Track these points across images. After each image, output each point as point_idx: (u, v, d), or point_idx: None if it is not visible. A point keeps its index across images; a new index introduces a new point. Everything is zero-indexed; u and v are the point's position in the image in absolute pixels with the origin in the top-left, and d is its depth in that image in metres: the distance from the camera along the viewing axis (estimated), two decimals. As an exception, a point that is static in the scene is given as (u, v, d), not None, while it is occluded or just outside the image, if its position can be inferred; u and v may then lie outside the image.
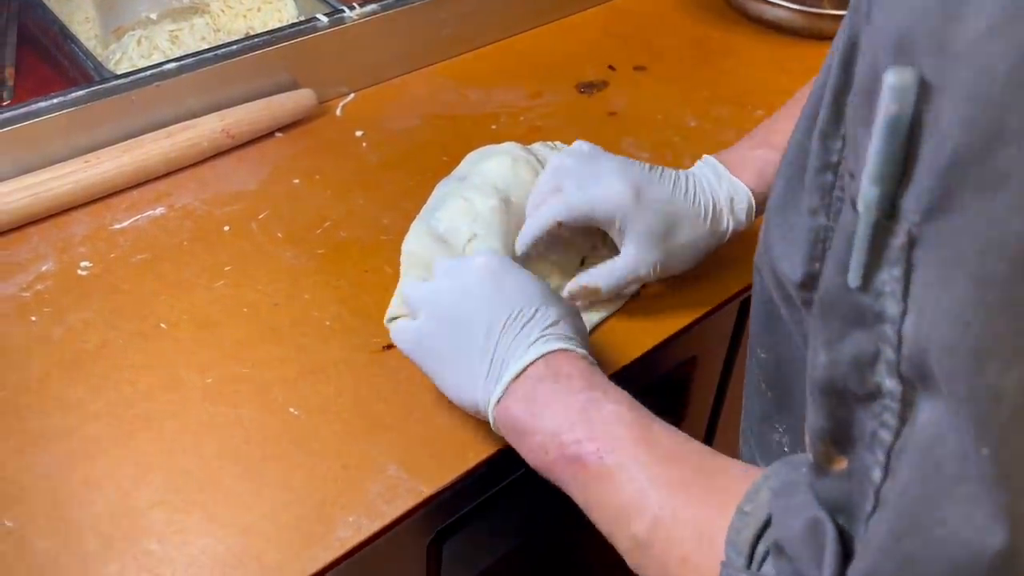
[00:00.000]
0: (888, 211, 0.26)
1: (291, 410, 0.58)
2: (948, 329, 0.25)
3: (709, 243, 0.63)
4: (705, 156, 0.67)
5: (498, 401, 0.49)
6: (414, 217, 0.73)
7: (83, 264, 0.68)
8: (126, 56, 0.86)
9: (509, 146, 0.70)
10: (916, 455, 0.27)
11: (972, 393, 0.25)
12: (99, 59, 0.82)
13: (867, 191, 0.26)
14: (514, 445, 0.49)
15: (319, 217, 0.73)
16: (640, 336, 0.65)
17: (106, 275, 0.67)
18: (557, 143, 0.75)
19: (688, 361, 0.75)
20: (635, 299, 0.68)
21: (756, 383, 0.48)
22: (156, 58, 0.86)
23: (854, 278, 0.28)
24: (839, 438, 0.31)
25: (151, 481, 0.54)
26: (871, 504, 0.29)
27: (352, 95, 0.87)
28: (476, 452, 0.56)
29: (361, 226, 0.72)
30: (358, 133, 0.82)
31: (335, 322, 0.64)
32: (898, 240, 0.26)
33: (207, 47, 0.87)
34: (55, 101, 0.72)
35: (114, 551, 0.50)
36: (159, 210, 0.73)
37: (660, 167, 0.64)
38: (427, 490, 0.54)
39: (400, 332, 0.56)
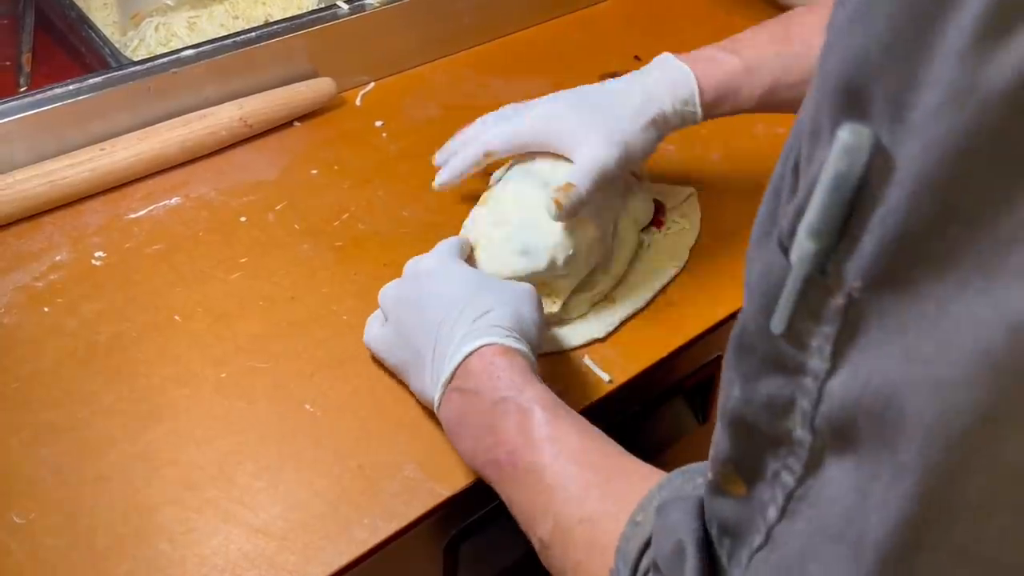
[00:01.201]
0: (822, 268, 0.25)
1: (307, 407, 0.56)
2: (884, 398, 0.23)
3: (657, 122, 0.63)
4: (656, 57, 0.67)
5: (439, 406, 0.51)
6: (433, 210, 0.72)
7: (97, 254, 0.66)
8: (144, 43, 0.85)
9: None
10: (810, 509, 0.27)
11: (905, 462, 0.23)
12: (117, 45, 0.81)
13: (802, 244, 0.25)
14: (454, 447, 0.51)
15: (337, 208, 0.72)
16: (665, 336, 0.63)
17: (120, 265, 0.66)
18: None
19: (712, 362, 0.73)
20: (660, 298, 0.66)
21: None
22: (174, 45, 0.85)
23: (778, 325, 0.26)
24: (743, 468, 0.30)
25: (163, 477, 0.52)
26: (761, 539, 0.29)
27: (372, 84, 0.86)
28: (496, 453, 0.54)
29: (380, 218, 0.71)
30: (377, 123, 0.81)
31: (353, 316, 0.63)
32: (836, 301, 0.25)
33: (226, 34, 0.86)
34: (71, 87, 0.70)
35: (124, 550, 0.49)
36: (175, 200, 0.72)
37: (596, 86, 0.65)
38: (445, 492, 0.52)
39: (369, 335, 0.59)
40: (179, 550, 0.49)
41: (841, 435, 0.25)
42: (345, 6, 0.82)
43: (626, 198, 0.67)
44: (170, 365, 0.59)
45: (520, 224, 0.62)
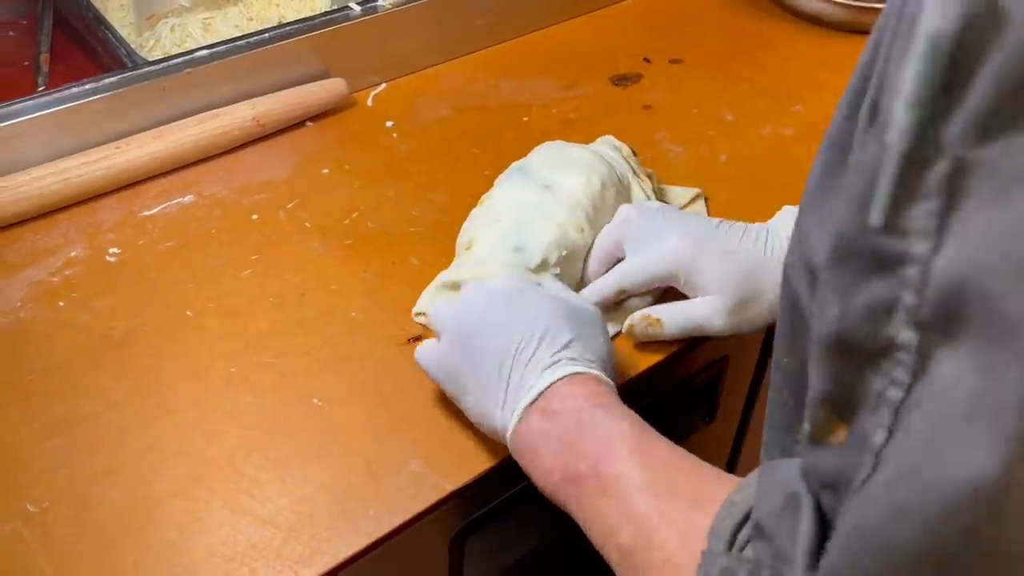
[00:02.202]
0: (923, 140, 0.24)
1: (315, 401, 0.57)
2: (1006, 247, 0.22)
3: None
4: (785, 206, 0.63)
5: (515, 428, 0.49)
6: (443, 210, 0.72)
7: (111, 250, 0.67)
8: (159, 44, 0.86)
9: (595, 160, 0.66)
10: (927, 406, 0.25)
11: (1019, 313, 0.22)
12: (133, 46, 0.82)
13: (901, 117, 0.24)
14: (527, 471, 0.49)
15: (348, 207, 0.72)
16: (671, 334, 0.64)
17: (134, 262, 0.67)
18: (624, 145, 0.72)
19: (720, 360, 0.73)
20: (666, 296, 0.66)
21: (779, 394, 0.46)
22: (189, 45, 0.86)
23: (877, 216, 0.25)
24: (841, 403, 0.29)
25: (172, 469, 0.53)
26: (868, 469, 0.27)
27: (383, 85, 0.86)
28: (501, 448, 0.54)
29: (390, 217, 0.72)
30: (388, 123, 0.82)
31: (361, 314, 0.63)
32: (938, 170, 0.24)
33: (240, 35, 0.87)
34: (88, 87, 0.72)
35: (133, 539, 0.50)
36: (188, 198, 0.73)
37: (729, 221, 0.61)
38: (450, 486, 0.53)
39: (423, 354, 0.55)
40: (187, 540, 0.50)
41: (952, 321, 0.24)
42: (357, 7, 0.83)
43: (631, 199, 0.68)
44: (180, 359, 0.60)
45: (514, 222, 0.62)
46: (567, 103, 0.86)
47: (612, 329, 0.62)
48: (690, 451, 0.71)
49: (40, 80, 0.84)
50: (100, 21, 0.83)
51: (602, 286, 0.61)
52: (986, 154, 0.23)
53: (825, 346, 0.29)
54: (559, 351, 0.49)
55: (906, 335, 0.26)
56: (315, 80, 0.82)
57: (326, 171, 0.76)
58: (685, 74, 0.90)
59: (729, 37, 0.97)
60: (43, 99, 0.70)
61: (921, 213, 0.24)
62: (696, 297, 0.59)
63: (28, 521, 0.50)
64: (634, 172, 0.69)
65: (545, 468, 0.47)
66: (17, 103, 0.69)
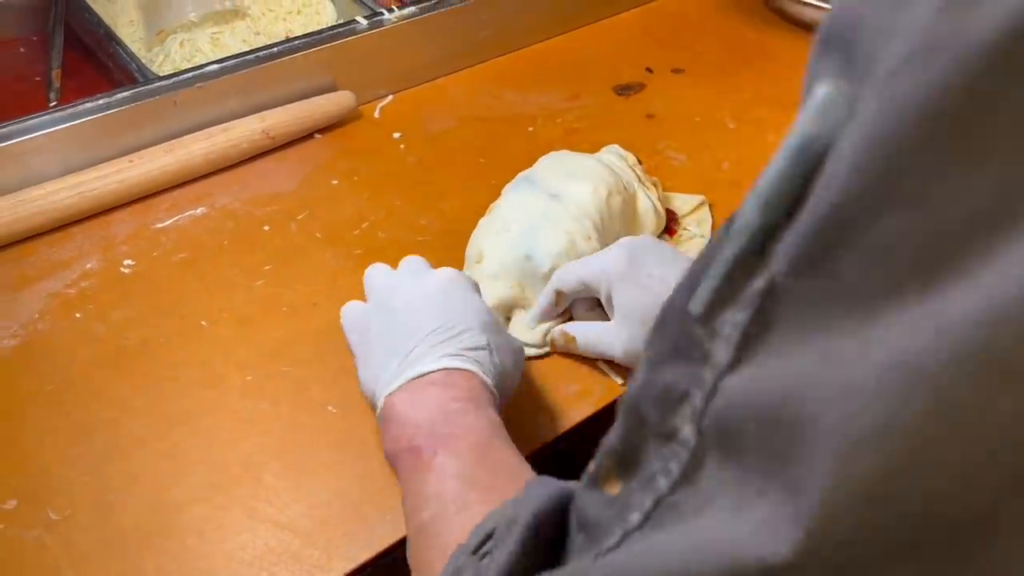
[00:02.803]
0: (756, 246, 0.22)
1: (329, 408, 0.58)
2: (787, 390, 0.21)
3: None
4: None
5: (390, 394, 0.49)
6: (451, 219, 0.73)
7: (126, 262, 0.69)
8: (169, 58, 0.87)
9: (600, 169, 0.67)
10: (682, 510, 0.25)
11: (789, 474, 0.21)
12: (143, 61, 0.84)
13: (749, 215, 0.22)
14: (382, 434, 0.50)
15: (357, 218, 0.73)
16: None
17: (148, 273, 0.68)
18: (629, 154, 0.73)
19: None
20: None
21: None
22: (198, 60, 0.87)
23: (696, 305, 0.24)
24: (624, 463, 0.28)
25: (190, 475, 0.54)
26: (614, 541, 0.27)
27: (390, 97, 0.88)
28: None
29: (399, 227, 0.73)
30: (396, 135, 0.83)
31: (372, 322, 0.64)
32: (757, 284, 0.22)
33: (248, 49, 0.88)
34: (101, 102, 0.73)
35: (154, 545, 0.51)
36: (200, 210, 0.74)
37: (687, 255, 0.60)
38: (463, 490, 0.54)
39: (347, 309, 0.57)
40: (207, 545, 0.51)
41: (727, 441, 0.23)
42: (364, 21, 0.84)
43: (637, 208, 0.69)
44: (196, 369, 0.61)
45: (522, 231, 0.63)
46: (571, 113, 0.87)
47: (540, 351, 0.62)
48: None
49: (52, 95, 0.86)
50: (111, 37, 0.84)
51: (547, 290, 0.62)
52: (798, 285, 0.21)
53: (625, 407, 0.28)
54: (469, 349, 0.50)
55: (687, 432, 0.24)
56: (323, 93, 0.83)
57: (335, 182, 0.77)
58: (687, 83, 0.91)
59: (730, 46, 0.98)
60: (57, 114, 0.71)
61: (731, 321, 0.23)
62: (611, 320, 0.59)
63: (51, 528, 0.51)
64: (640, 180, 0.71)
65: (394, 435, 0.48)
66: (32, 118, 0.71)
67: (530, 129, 0.85)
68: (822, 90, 0.20)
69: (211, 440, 0.56)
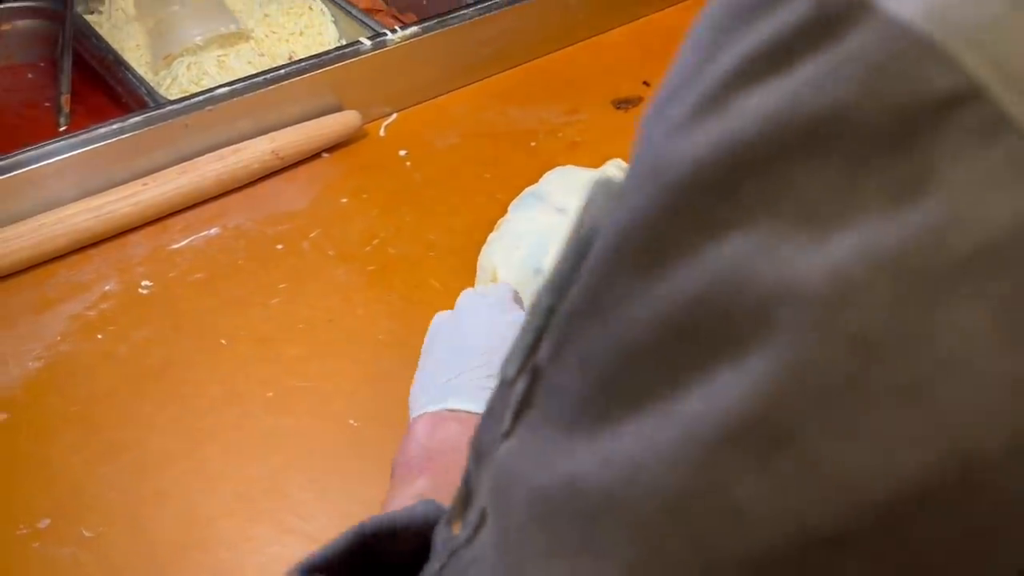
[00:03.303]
0: (543, 327, 0.23)
1: (351, 421, 0.60)
2: (505, 478, 0.23)
3: None
4: None
5: (419, 415, 0.52)
6: (459, 234, 0.75)
7: (144, 283, 0.70)
8: (176, 82, 0.89)
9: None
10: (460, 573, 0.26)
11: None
12: (151, 84, 0.85)
13: (542, 293, 0.23)
14: (400, 445, 0.52)
15: (368, 234, 0.75)
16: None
17: (166, 294, 0.69)
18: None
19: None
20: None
21: None
22: (206, 82, 0.89)
23: (507, 368, 0.25)
24: (461, 506, 0.29)
25: (219, 491, 0.56)
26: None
27: (394, 115, 0.89)
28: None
29: (409, 243, 0.75)
30: (402, 152, 0.85)
31: (388, 336, 0.66)
32: (531, 361, 0.24)
33: (254, 71, 0.90)
34: (115, 127, 0.74)
35: (187, 559, 0.52)
36: (214, 230, 0.75)
37: None
38: (484, 498, 0.55)
39: (436, 317, 0.60)
40: (239, 558, 0.52)
41: (495, 505, 0.24)
42: (368, 42, 0.86)
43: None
44: (219, 386, 0.62)
45: (532, 246, 0.65)
46: (572, 127, 0.89)
47: None
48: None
49: (62, 120, 0.87)
50: (120, 62, 0.86)
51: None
52: (549, 371, 0.22)
53: (470, 447, 0.29)
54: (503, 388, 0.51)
55: (484, 488, 0.26)
56: (329, 112, 0.85)
57: (345, 200, 0.79)
58: (683, 96, 0.94)
59: (723, 58, 1.00)
60: (73, 140, 0.73)
61: (515, 391, 0.24)
62: None
63: (84, 546, 0.53)
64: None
65: (404, 449, 0.51)
66: (49, 144, 0.72)
67: (532, 144, 0.87)
68: (597, 180, 0.22)
69: (237, 456, 0.58)
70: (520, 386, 0.24)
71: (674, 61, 0.22)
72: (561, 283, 0.22)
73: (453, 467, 0.47)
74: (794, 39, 0.17)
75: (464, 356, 0.54)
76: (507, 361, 0.24)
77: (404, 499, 0.47)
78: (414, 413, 0.53)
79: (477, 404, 0.51)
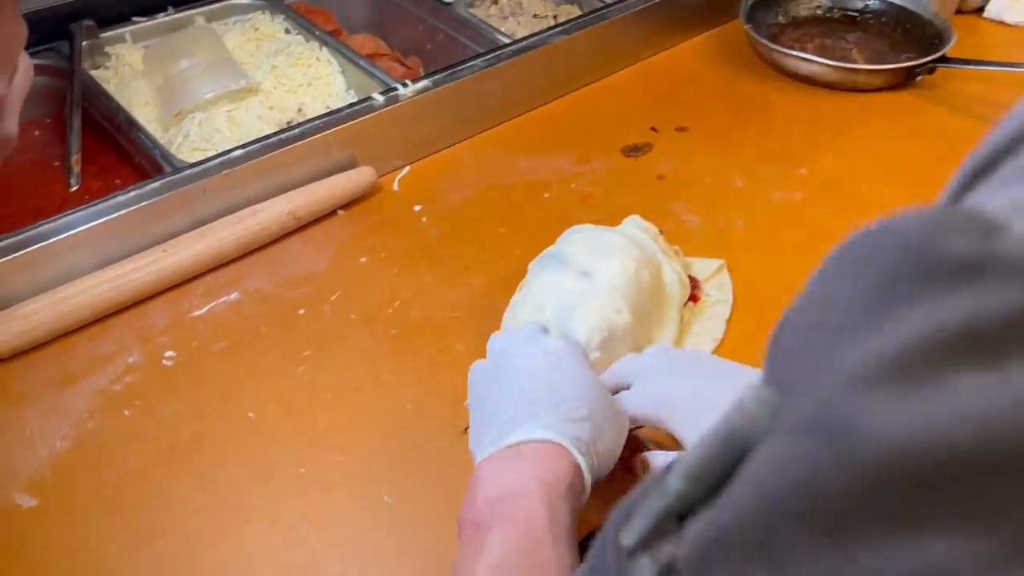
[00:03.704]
0: (680, 512, 0.24)
1: (386, 499, 0.60)
2: None
3: None
4: None
5: (484, 459, 0.52)
6: (480, 293, 0.75)
7: (167, 354, 0.70)
8: (188, 139, 0.89)
9: (626, 244, 0.69)
10: None
11: None
12: (162, 142, 0.85)
13: (675, 480, 0.24)
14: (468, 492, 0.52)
15: (389, 295, 0.75)
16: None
17: (190, 365, 0.69)
18: (651, 225, 0.75)
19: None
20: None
21: None
22: (217, 139, 0.89)
23: (627, 538, 0.25)
24: None
25: (259, 575, 0.56)
26: None
27: (407, 168, 0.90)
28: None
29: (430, 304, 0.75)
30: (416, 208, 0.85)
31: (415, 405, 0.66)
32: (667, 549, 0.24)
33: (264, 125, 0.91)
34: (132, 195, 0.74)
35: (231, 649, 0.52)
36: (234, 295, 0.75)
37: (740, 366, 0.60)
38: (523, 575, 0.56)
39: (473, 368, 0.60)
40: (284, 647, 0.52)
41: None
42: (380, 98, 0.86)
43: (663, 280, 0.71)
44: (250, 463, 0.62)
45: (556, 310, 0.66)
46: (584, 177, 0.89)
47: None
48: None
49: (73, 181, 0.87)
50: (131, 123, 0.86)
51: None
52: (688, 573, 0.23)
53: None
54: (567, 421, 0.51)
55: None
56: (343, 168, 0.85)
57: (364, 260, 0.79)
58: (692, 142, 0.94)
59: (729, 101, 1.01)
60: (91, 210, 0.73)
61: (647, 566, 0.24)
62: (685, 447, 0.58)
63: (126, 637, 0.52)
64: (662, 252, 0.73)
65: (469, 502, 0.50)
66: (67, 216, 0.72)
67: (546, 196, 0.87)
68: (752, 390, 0.22)
69: (273, 537, 0.58)
70: (648, 569, 0.24)
71: (822, 279, 0.21)
72: (700, 475, 0.22)
73: (521, 512, 0.48)
74: (1005, 330, 0.17)
75: (512, 394, 0.54)
76: (624, 529, 0.24)
77: (475, 561, 0.46)
78: (478, 460, 0.52)
79: (537, 432, 0.51)
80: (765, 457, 0.21)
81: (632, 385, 0.60)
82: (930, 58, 1.00)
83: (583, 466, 0.51)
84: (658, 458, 0.59)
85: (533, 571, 0.47)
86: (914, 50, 1.06)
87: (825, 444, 0.19)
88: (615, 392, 0.60)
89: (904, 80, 1.02)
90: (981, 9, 1.17)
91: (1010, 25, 1.14)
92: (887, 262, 0.20)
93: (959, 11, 1.15)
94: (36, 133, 0.94)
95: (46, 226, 0.71)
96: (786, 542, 0.20)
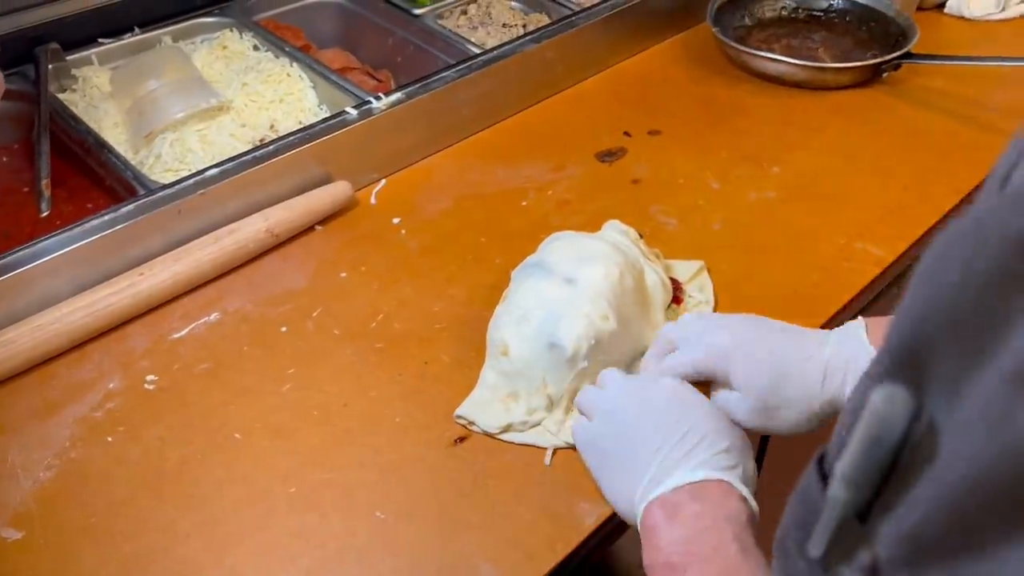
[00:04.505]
0: (860, 515, 0.25)
1: (377, 515, 0.59)
2: None
3: (823, 406, 0.58)
4: (860, 318, 0.62)
5: (645, 508, 0.54)
6: (463, 304, 0.75)
7: (149, 378, 0.69)
8: (160, 160, 0.88)
9: (609, 250, 0.69)
10: None
11: None
12: (134, 164, 0.84)
13: (837, 489, 0.25)
14: (642, 540, 0.53)
15: (371, 310, 0.75)
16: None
17: (173, 388, 0.68)
18: (630, 229, 0.76)
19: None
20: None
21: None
22: (189, 159, 0.88)
23: (814, 549, 0.27)
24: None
25: (253, 599, 0.55)
26: None
27: (383, 181, 0.89)
28: (564, 544, 0.58)
29: (413, 316, 0.74)
30: (395, 220, 0.85)
31: (404, 418, 0.66)
32: (863, 556, 0.25)
33: (237, 142, 0.90)
34: (106, 218, 0.73)
35: (228, 674, 0.51)
36: (214, 316, 0.74)
37: (783, 324, 0.63)
38: (520, 585, 0.56)
39: (578, 431, 0.62)
40: (282, 670, 0.51)
41: None
42: (354, 112, 0.86)
43: (646, 283, 0.72)
44: (239, 485, 0.61)
45: (543, 319, 0.66)
46: (560, 184, 0.90)
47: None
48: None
49: (43, 206, 0.85)
50: (101, 144, 0.85)
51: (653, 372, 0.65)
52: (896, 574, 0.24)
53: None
54: (716, 454, 0.54)
55: None
56: (319, 184, 0.84)
57: (344, 275, 0.79)
58: (665, 145, 0.95)
59: (699, 104, 1.02)
60: (64, 236, 0.72)
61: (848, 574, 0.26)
62: (733, 392, 0.61)
63: (120, 668, 0.52)
64: (644, 255, 0.73)
65: (654, 547, 0.52)
66: (40, 242, 0.71)
67: (523, 203, 0.87)
68: (880, 392, 0.24)
69: (266, 559, 0.57)
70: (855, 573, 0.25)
71: (931, 280, 0.23)
72: (859, 482, 0.24)
73: (712, 549, 0.50)
74: None
75: (653, 439, 0.55)
76: (809, 544, 0.26)
77: None
78: (638, 509, 0.54)
79: (699, 472, 0.53)
80: (937, 455, 0.22)
81: (678, 349, 0.64)
82: (895, 55, 1.02)
83: (747, 495, 0.53)
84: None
85: None
86: (879, 47, 1.08)
87: (991, 439, 0.20)
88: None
89: (870, 77, 1.04)
90: (942, 5, 1.19)
91: (970, 20, 1.17)
92: (995, 258, 0.21)
93: (921, 8, 1.17)
94: (4, 159, 0.93)
95: (19, 253, 0.70)
96: (977, 535, 0.21)
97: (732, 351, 0.60)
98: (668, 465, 0.54)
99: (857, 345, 0.59)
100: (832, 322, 0.76)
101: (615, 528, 0.61)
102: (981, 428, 0.21)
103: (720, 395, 0.61)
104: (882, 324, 0.61)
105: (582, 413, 0.62)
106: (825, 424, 0.59)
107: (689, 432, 0.55)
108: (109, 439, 0.64)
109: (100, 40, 1.00)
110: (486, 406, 0.65)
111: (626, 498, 0.55)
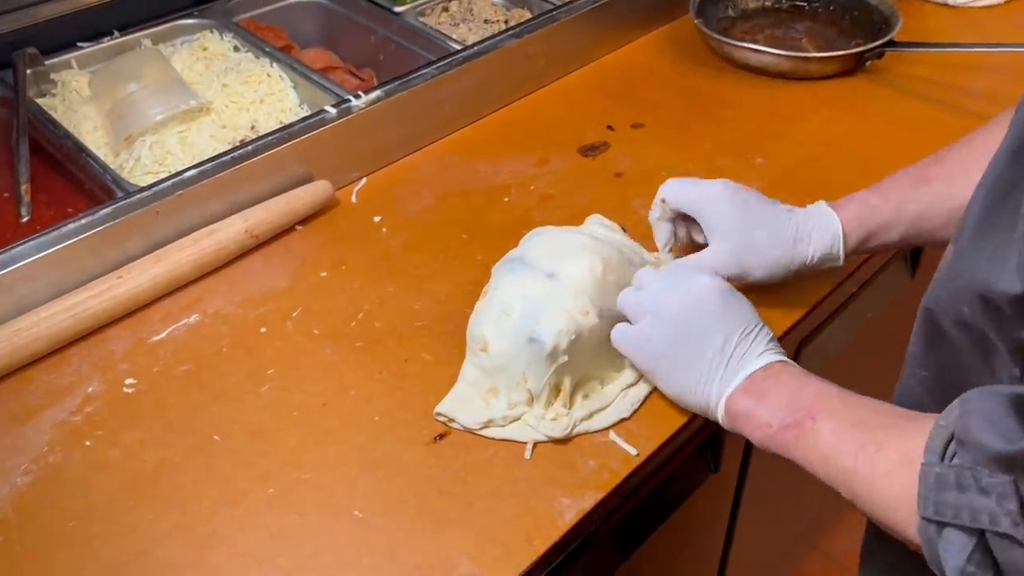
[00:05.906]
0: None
1: (356, 513, 0.59)
2: None
3: (790, 259, 0.70)
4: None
5: (729, 396, 0.59)
6: (444, 300, 0.75)
7: (127, 381, 0.69)
8: (140, 163, 0.87)
9: (591, 243, 0.69)
10: None
11: None
12: (113, 167, 0.84)
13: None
14: (738, 429, 0.60)
15: (352, 309, 0.75)
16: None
17: (152, 391, 0.68)
18: (613, 223, 0.76)
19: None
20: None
21: (917, 399, 0.55)
22: (170, 161, 0.88)
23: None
24: None
25: (231, 600, 0.55)
26: None
27: (364, 180, 0.89)
28: (543, 539, 0.57)
29: (394, 315, 0.74)
30: (376, 219, 0.84)
31: (384, 417, 0.66)
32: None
33: (217, 144, 0.89)
34: (84, 222, 0.73)
35: (206, 677, 0.51)
36: (193, 318, 0.74)
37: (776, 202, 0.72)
38: (500, 581, 0.55)
39: (624, 336, 0.65)
40: (260, 672, 0.51)
41: None
42: (333, 110, 0.86)
43: (629, 277, 0.71)
44: (218, 486, 0.61)
45: (523, 314, 0.65)
46: (543, 179, 0.89)
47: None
48: (699, 500, 0.76)
49: (23, 211, 0.85)
50: (80, 148, 0.84)
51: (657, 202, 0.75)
52: None
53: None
54: (770, 342, 0.61)
55: None
56: (299, 183, 0.84)
57: (324, 274, 0.78)
58: (648, 138, 0.95)
59: (682, 96, 1.02)
60: (42, 239, 0.71)
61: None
62: (711, 234, 0.70)
63: (97, 673, 0.51)
64: (628, 249, 0.73)
65: (763, 423, 0.57)
66: (17, 247, 0.71)
67: (506, 199, 0.87)
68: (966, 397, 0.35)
69: (246, 560, 0.57)
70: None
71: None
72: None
73: (821, 390, 0.57)
74: None
75: (713, 335, 0.61)
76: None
77: (835, 437, 0.53)
78: (720, 401, 0.60)
79: (763, 358, 0.60)
80: None
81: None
82: (878, 43, 1.01)
83: (792, 363, 0.60)
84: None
85: (871, 412, 0.53)
86: (862, 36, 1.07)
87: None
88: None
89: (854, 66, 1.03)
90: (925, -8, 1.18)
91: (953, 7, 1.16)
92: None
93: (904, -5, 1.17)
94: (-17, 165, 0.92)
95: (-5, 258, 0.69)
96: None
97: (717, 198, 0.70)
98: (736, 358, 0.60)
99: (822, 214, 0.70)
100: (816, 310, 0.75)
101: (596, 525, 0.60)
102: None
103: (702, 256, 0.70)
104: (844, 200, 0.71)
105: (626, 316, 0.65)
106: (789, 278, 0.70)
107: (747, 326, 0.61)
108: (87, 443, 0.64)
109: (79, 44, 1.00)
110: (466, 402, 0.65)
111: (696, 394, 0.61)
